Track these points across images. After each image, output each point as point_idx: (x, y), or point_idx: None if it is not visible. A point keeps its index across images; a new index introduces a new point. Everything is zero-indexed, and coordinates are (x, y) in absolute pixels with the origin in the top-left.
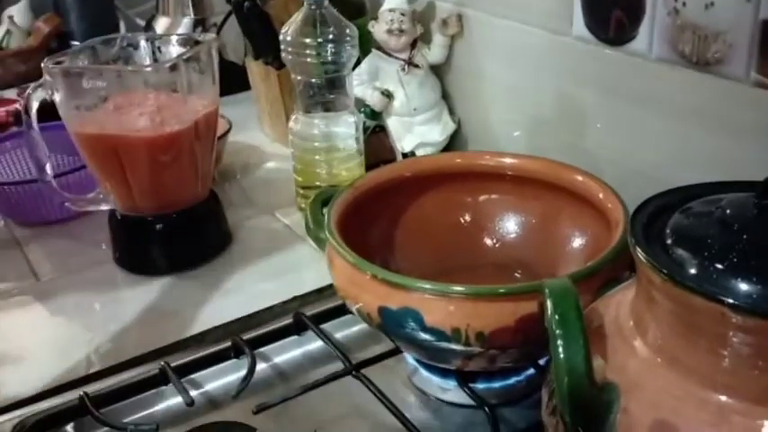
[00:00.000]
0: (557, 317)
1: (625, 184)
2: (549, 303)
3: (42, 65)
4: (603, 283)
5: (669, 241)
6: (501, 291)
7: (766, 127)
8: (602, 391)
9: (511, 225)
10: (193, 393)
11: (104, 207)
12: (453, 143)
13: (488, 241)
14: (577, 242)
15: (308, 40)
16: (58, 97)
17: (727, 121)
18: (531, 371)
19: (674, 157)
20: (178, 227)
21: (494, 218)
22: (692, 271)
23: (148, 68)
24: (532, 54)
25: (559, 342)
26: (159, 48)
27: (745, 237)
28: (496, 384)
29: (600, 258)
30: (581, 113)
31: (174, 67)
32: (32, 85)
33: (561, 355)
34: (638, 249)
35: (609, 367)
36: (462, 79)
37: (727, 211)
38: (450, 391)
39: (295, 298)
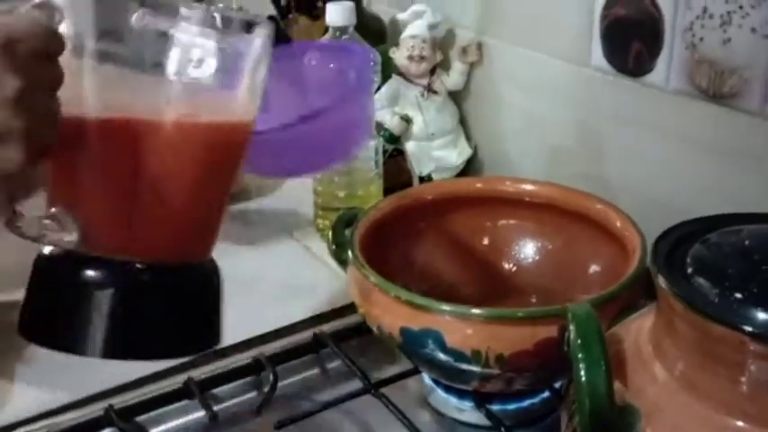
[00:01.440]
0: (579, 341)
1: (641, 213)
2: (571, 327)
3: None
4: (620, 310)
5: (690, 270)
6: (520, 314)
7: None
8: (622, 413)
9: (528, 250)
10: (216, 408)
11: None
12: (469, 168)
13: (506, 265)
14: (593, 269)
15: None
16: None
17: (742, 154)
18: (546, 393)
19: (689, 187)
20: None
21: (512, 243)
22: (713, 300)
23: None
24: (551, 83)
25: (582, 365)
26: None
27: (764, 267)
28: (511, 406)
29: (619, 284)
30: (598, 143)
31: None
32: None
33: (583, 378)
34: (661, 277)
35: (629, 391)
36: (480, 106)
37: (747, 242)
38: (466, 411)
39: (314, 317)
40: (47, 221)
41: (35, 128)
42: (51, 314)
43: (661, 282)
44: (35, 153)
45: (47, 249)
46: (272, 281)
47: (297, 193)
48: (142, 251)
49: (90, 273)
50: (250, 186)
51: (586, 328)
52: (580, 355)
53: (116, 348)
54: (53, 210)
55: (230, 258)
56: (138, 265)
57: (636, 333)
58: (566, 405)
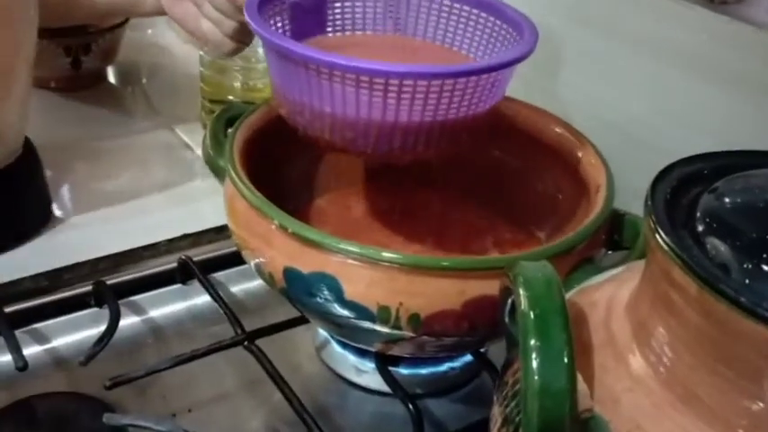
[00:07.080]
0: (533, 318)
1: (599, 140)
2: (522, 296)
3: None
4: (577, 263)
5: (701, 231)
6: (445, 264)
7: None
8: (585, 427)
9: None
10: (33, 351)
11: None
12: None
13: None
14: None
15: None
16: None
17: (739, 75)
18: (469, 357)
19: (664, 112)
20: None
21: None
22: (742, 278)
23: None
24: None
25: (534, 357)
26: None
27: None
28: (424, 371)
29: (578, 231)
30: (556, 50)
31: None
32: None
33: (536, 376)
34: (665, 237)
35: (595, 395)
36: None
37: None
38: (367, 373)
39: (186, 236)
40: None
41: None
42: None
43: (663, 244)
44: None
45: None
46: (141, 185)
47: (189, 79)
48: None
49: None
50: (138, 66)
51: (545, 302)
52: (534, 342)
53: None
54: None
55: (91, 155)
56: None
57: (606, 307)
58: (500, 397)
